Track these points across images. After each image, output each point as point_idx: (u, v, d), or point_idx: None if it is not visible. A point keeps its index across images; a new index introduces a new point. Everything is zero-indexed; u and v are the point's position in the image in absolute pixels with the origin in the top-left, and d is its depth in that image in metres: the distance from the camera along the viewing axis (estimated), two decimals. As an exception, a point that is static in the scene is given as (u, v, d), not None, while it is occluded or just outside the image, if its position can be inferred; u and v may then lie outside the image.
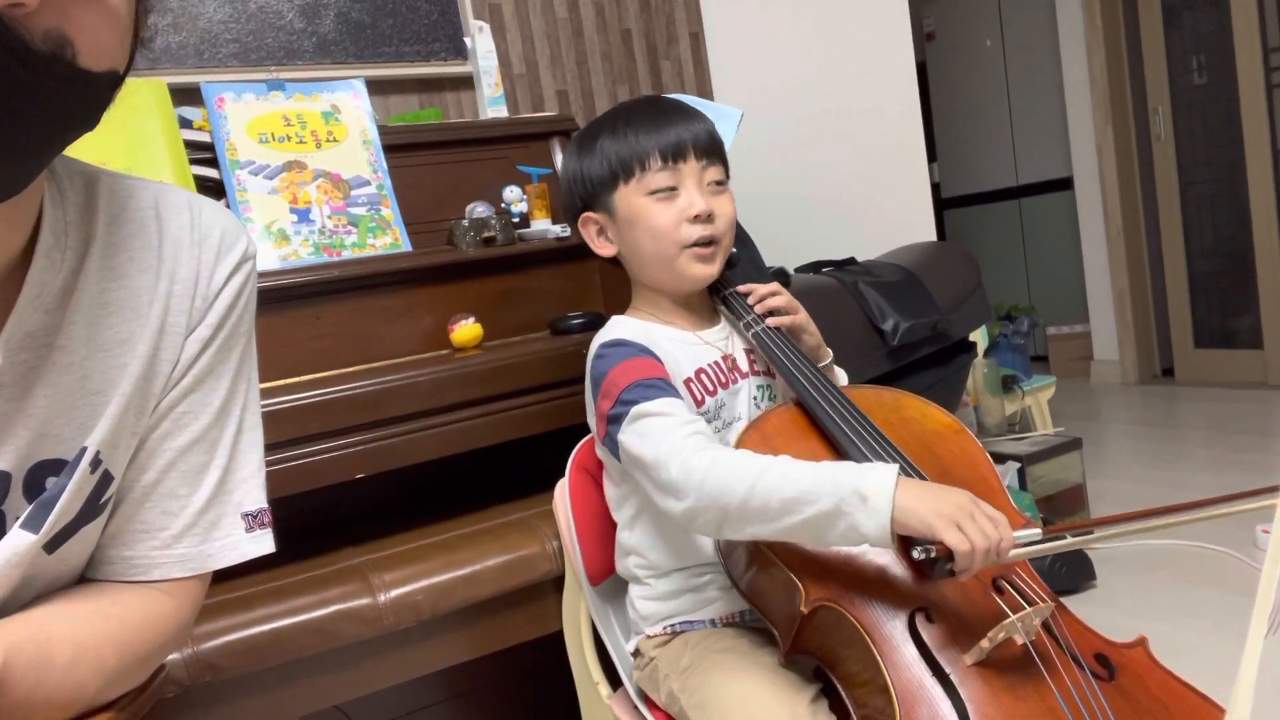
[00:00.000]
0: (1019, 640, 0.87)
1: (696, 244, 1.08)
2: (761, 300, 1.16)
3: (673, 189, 1.08)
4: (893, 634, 0.89)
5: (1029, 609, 0.88)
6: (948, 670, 0.87)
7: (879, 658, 0.87)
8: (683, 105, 1.15)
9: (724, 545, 1.05)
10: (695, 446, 0.94)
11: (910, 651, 0.88)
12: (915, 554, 0.87)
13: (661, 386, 1.01)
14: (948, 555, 0.83)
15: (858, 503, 0.84)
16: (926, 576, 0.93)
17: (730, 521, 0.91)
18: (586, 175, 1.13)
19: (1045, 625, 0.91)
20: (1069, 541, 0.91)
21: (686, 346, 1.13)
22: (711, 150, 1.11)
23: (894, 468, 0.87)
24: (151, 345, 0.67)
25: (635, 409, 0.99)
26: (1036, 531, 0.86)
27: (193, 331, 0.69)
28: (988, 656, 0.87)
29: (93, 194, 0.67)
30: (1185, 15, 3.87)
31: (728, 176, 1.15)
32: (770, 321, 1.15)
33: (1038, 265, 4.74)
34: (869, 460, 0.97)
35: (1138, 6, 4.00)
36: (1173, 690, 0.90)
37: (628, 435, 0.99)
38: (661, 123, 1.10)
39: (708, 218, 1.08)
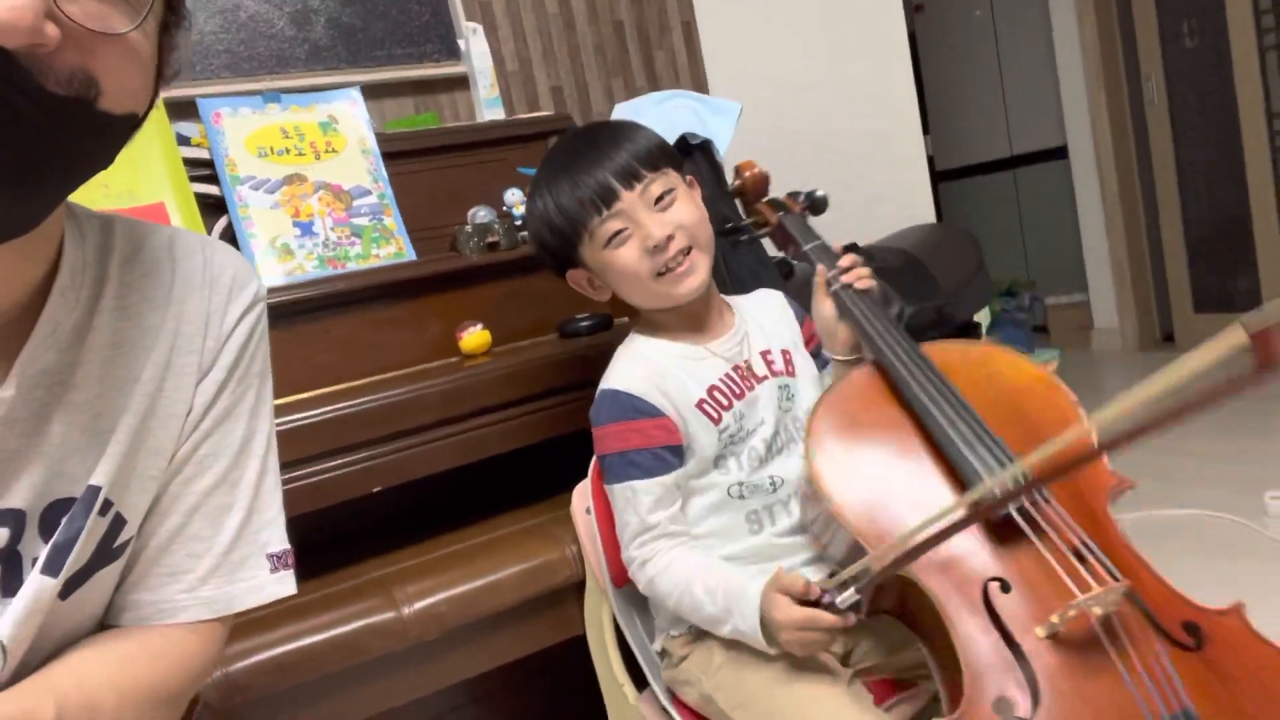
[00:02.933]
0: (1098, 611, 0.85)
1: (668, 269, 1.08)
2: (859, 278, 1.13)
3: (623, 230, 1.07)
4: (964, 602, 0.88)
5: (1099, 589, 0.85)
6: (1019, 641, 0.85)
7: (949, 625, 0.86)
8: (593, 138, 1.11)
9: (804, 514, 1.09)
10: (638, 556, 1.08)
11: (981, 621, 0.87)
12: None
13: (640, 464, 1.07)
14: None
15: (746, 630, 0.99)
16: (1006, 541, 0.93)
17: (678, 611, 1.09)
18: (546, 244, 1.15)
19: (1129, 594, 0.87)
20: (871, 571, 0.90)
21: (695, 364, 1.13)
22: (641, 167, 1.07)
23: (755, 610, 0.96)
24: (156, 383, 0.67)
25: (614, 488, 1.10)
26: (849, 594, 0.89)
27: (206, 375, 0.69)
28: (1064, 629, 0.85)
29: (109, 235, 0.67)
30: (1175, -22, 3.84)
31: (676, 168, 1.12)
32: (858, 283, 1.13)
33: (1035, 235, 4.73)
34: (944, 429, 0.98)
35: (1127, -29, 3.98)
36: (1271, 664, 0.84)
37: (613, 496, 1.11)
38: (573, 172, 1.08)
39: (667, 241, 1.06)
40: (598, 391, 1.14)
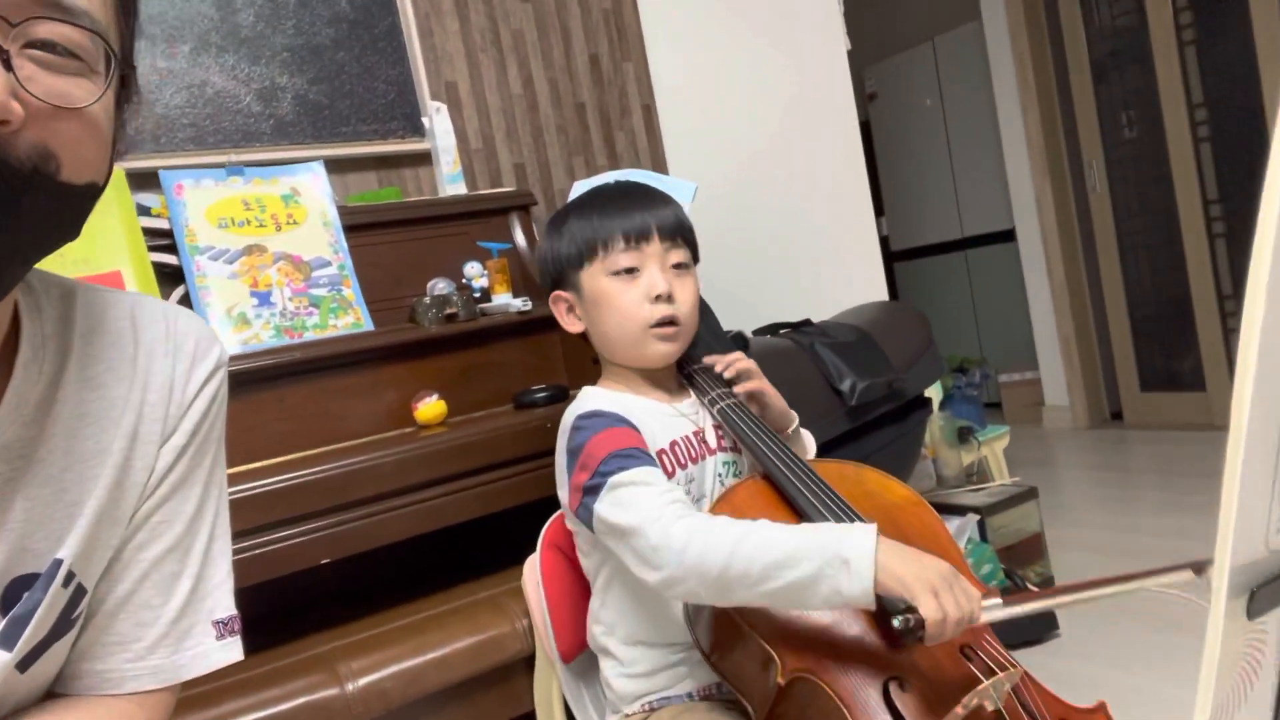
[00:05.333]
0: (990, 706, 0.89)
1: (659, 324, 1.10)
2: (729, 366, 1.18)
3: (634, 270, 1.10)
4: (868, 703, 0.90)
5: (1000, 674, 0.89)
6: None
7: None
8: (651, 191, 1.17)
9: (693, 617, 1.05)
10: (675, 514, 0.95)
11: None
12: (895, 623, 0.86)
13: (639, 456, 1.02)
14: (920, 624, 0.84)
15: (840, 566, 0.86)
16: (896, 643, 0.94)
17: (710, 588, 0.92)
18: (555, 255, 1.16)
19: (1014, 691, 0.93)
20: (1029, 608, 0.93)
21: (662, 417, 1.14)
22: (676, 234, 1.13)
23: (873, 528, 0.88)
24: (124, 454, 0.66)
25: (613, 479, 1.00)
26: (998, 601, 0.88)
27: (168, 440, 0.69)
28: None
29: (69, 307, 0.67)
30: (1113, 74, 4.05)
31: (695, 261, 1.17)
32: (737, 388, 1.17)
33: (986, 314, 4.86)
34: None
35: (1068, 65, 4.19)
36: None
37: (604, 505, 1.00)
38: (627, 206, 1.13)
39: (669, 298, 1.10)
40: (571, 421, 1.09)
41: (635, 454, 1.02)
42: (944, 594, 0.84)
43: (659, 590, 0.96)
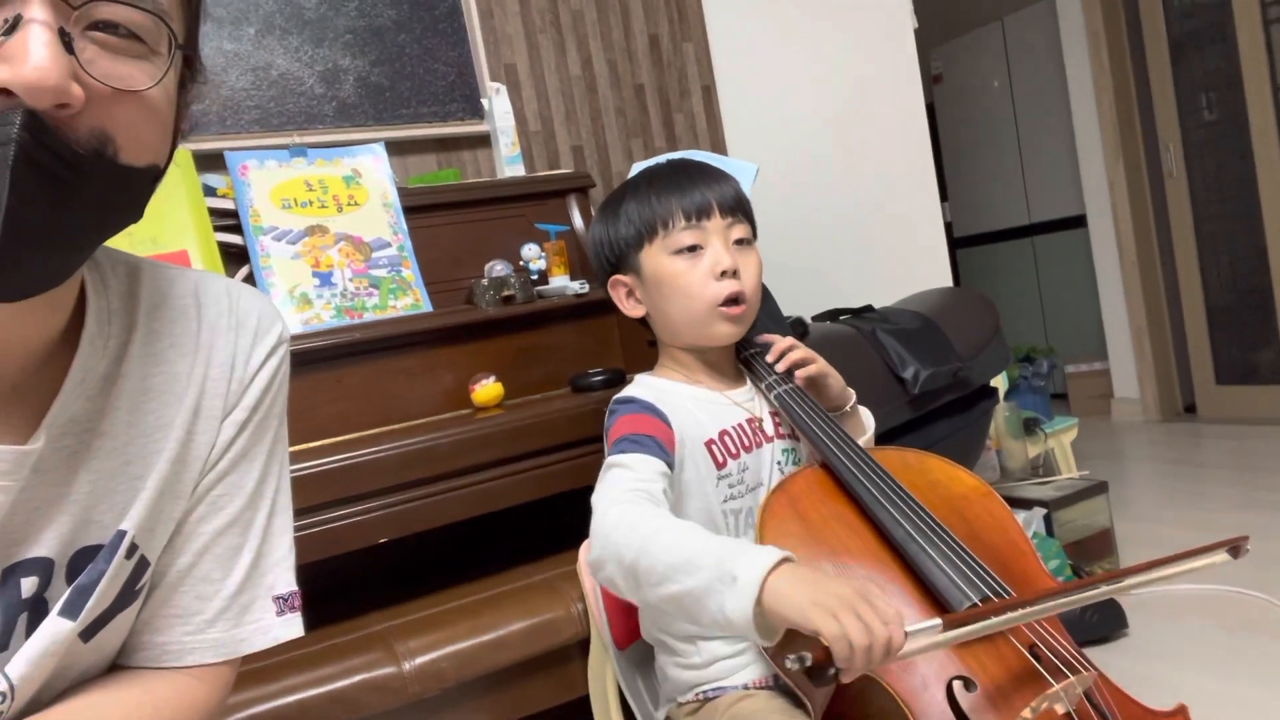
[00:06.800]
0: (1060, 710, 0.85)
1: (726, 302, 1.07)
2: (782, 355, 1.15)
3: (697, 247, 1.08)
4: (931, 703, 0.87)
5: (1072, 678, 0.86)
6: None
7: None
8: (707, 167, 1.14)
9: None
10: (623, 499, 0.92)
11: None
12: (788, 663, 0.74)
13: (644, 443, 1.01)
14: (826, 660, 0.72)
15: (728, 582, 0.78)
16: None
17: (625, 579, 0.89)
18: (613, 238, 1.14)
19: (1086, 694, 0.89)
20: (972, 629, 0.82)
21: (712, 406, 1.12)
22: (736, 209, 1.11)
23: (777, 553, 0.79)
24: (186, 429, 0.67)
25: (610, 459, 1.00)
26: (937, 623, 0.78)
27: (229, 414, 0.70)
28: None
29: (135, 282, 0.68)
30: (1193, 53, 3.89)
31: (754, 237, 1.14)
32: (798, 375, 1.14)
33: (1054, 302, 4.73)
34: (900, 524, 0.96)
35: (1144, 45, 4.03)
36: None
37: (605, 471, 1.00)
38: (685, 184, 1.10)
39: (734, 273, 1.08)
40: (610, 407, 1.11)
41: (642, 440, 1.01)
42: (845, 616, 0.72)
43: (590, 571, 0.94)
